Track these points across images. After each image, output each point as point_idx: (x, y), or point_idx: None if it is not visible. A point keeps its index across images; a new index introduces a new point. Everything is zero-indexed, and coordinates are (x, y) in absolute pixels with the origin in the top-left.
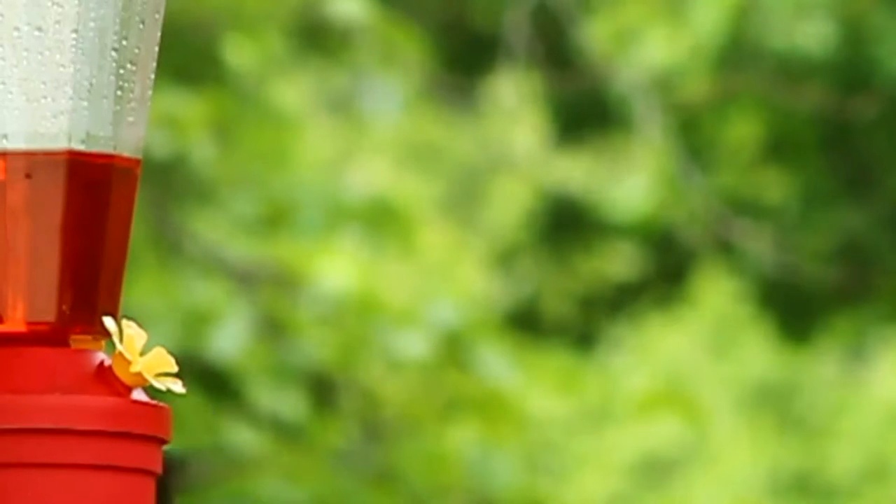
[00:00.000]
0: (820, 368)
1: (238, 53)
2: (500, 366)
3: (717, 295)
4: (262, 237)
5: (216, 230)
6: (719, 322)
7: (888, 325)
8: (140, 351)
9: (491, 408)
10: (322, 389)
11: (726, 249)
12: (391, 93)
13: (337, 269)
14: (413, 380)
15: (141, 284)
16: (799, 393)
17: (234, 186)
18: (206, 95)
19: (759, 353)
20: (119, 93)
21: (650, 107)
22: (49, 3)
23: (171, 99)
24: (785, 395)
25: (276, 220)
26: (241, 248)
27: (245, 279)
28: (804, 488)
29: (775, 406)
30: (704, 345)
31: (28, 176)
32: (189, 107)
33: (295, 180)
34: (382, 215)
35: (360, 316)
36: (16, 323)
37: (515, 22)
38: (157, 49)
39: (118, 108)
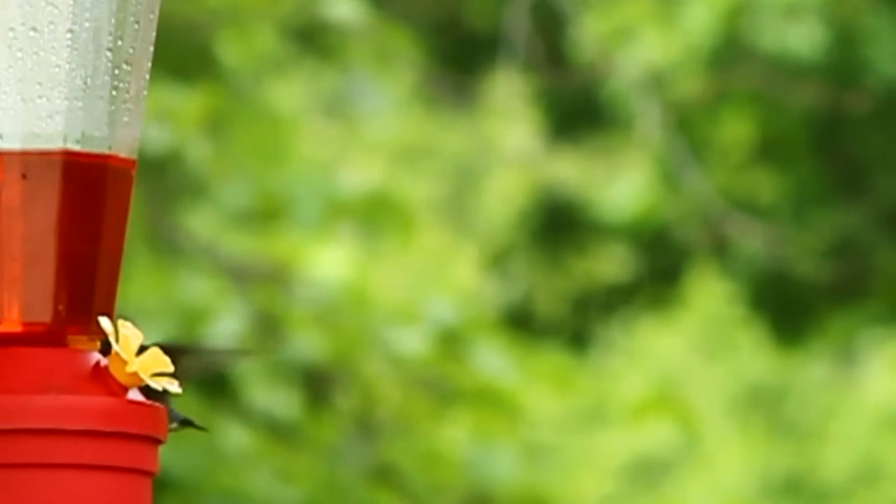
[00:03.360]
0: (812, 370)
1: (232, 51)
2: (496, 362)
3: (709, 296)
4: (257, 233)
5: (212, 226)
6: (711, 324)
7: (880, 327)
8: (136, 351)
9: (486, 404)
10: (317, 386)
11: (719, 250)
12: (385, 93)
13: (332, 264)
14: (409, 376)
15: (136, 282)
16: (791, 395)
17: (230, 182)
18: (201, 92)
19: (750, 355)
20: (114, 93)
21: (645, 106)
22: (44, 4)
23: (166, 96)
24: (777, 397)
25: (271, 215)
26: (236, 245)
27: (240, 275)
28: (796, 490)
29: (767, 408)
30: (697, 347)
31: (23, 176)
32: (184, 104)
33: (290, 176)
34: (379, 209)
35: (355, 312)
36: (12, 323)
37: (511, 21)
38: (151, 49)
39: (113, 108)
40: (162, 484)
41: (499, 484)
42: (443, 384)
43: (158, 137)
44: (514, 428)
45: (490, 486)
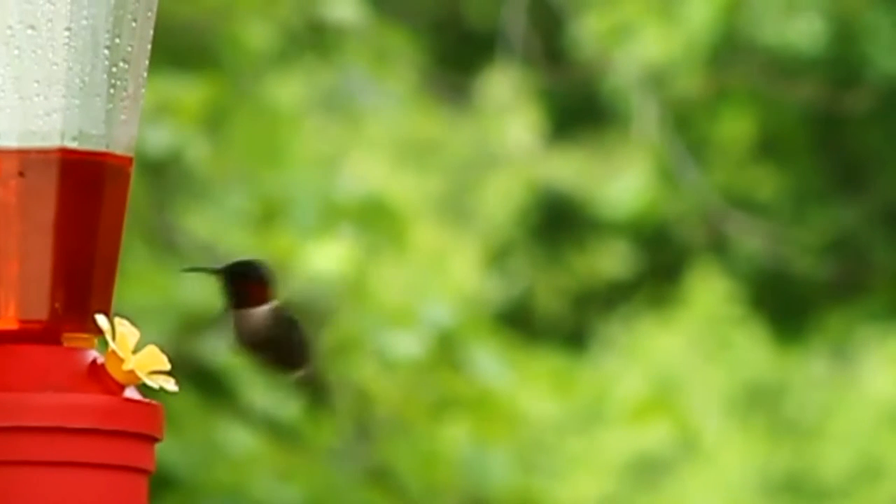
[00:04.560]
0: (811, 368)
1: (232, 50)
2: (493, 365)
3: (708, 294)
4: (255, 235)
5: (210, 227)
6: (711, 322)
7: (879, 324)
8: (133, 349)
9: (483, 407)
10: (315, 388)
11: (719, 248)
12: (385, 92)
13: (329, 264)
14: (406, 379)
15: (134, 281)
16: (790, 393)
17: (229, 183)
18: (201, 84)
19: (750, 353)
20: (111, 91)
21: (643, 103)
22: (42, 2)
23: (166, 88)
24: (776, 395)
25: (269, 217)
26: (234, 246)
27: None
28: (795, 488)
29: (766, 406)
30: (696, 344)
31: (21, 174)
32: (185, 93)
33: (289, 177)
34: (376, 213)
35: (352, 314)
36: (8, 321)
37: (510, 19)
38: (149, 47)
39: (111, 106)
40: (162, 482)
41: (495, 486)
42: (439, 389)
43: (158, 136)
44: (512, 431)
45: (487, 488)
